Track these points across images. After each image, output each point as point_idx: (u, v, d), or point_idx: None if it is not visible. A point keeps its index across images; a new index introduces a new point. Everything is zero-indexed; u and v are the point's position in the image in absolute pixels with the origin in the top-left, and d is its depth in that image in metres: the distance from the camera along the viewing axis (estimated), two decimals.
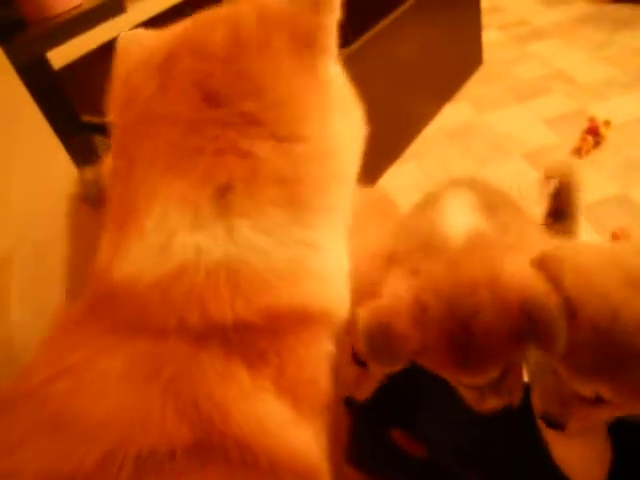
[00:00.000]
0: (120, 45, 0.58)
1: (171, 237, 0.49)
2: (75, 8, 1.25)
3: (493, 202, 0.59)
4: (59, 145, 0.92)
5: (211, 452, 0.45)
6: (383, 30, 1.69)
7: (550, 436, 0.58)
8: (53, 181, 0.91)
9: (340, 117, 0.56)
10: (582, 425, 0.53)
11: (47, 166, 0.91)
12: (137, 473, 0.43)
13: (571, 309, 0.47)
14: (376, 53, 1.68)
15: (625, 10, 2.40)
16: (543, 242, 0.59)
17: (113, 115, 0.56)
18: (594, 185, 1.56)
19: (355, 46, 1.62)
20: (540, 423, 0.57)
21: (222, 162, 0.49)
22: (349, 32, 1.70)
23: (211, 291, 0.48)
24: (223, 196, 0.49)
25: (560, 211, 0.76)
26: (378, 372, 0.65)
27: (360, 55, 1.63)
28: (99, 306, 0.52)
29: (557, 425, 0.54)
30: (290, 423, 0.50)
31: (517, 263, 0.51)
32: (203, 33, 0.53)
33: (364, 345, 0.53)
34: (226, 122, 0.50)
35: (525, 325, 0.48)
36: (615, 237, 1.39)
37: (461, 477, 0.73)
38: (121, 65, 0.57)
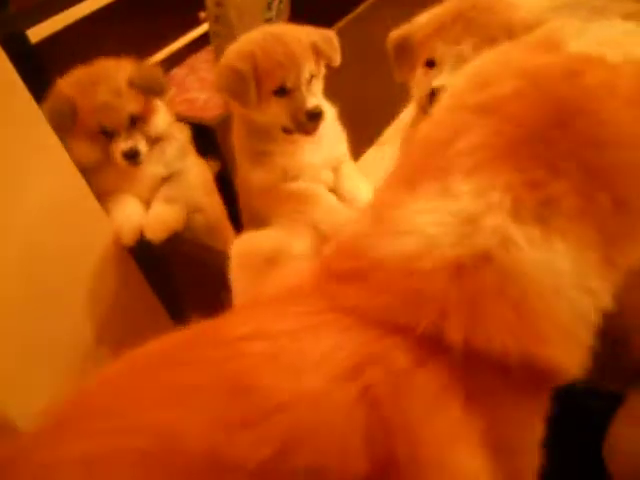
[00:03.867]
0: None
1: (484, 215, 0.41)
2: None
3: None
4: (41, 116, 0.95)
5: None
6: (362, 13, 1.70)
7: None
8: (34, 147, 0.94)
9: None
10: None
11: (27, 131, 0.94)
12: None
13: None
14: (354, 37, 1.69)
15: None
16: None
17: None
18: None
19: (333, 30, 1.62)
20: None
21: (558, 176, 0.42)
22: (329, 16, 1.71)
23: (490, 306, 0.39)
24: (548, 205, 0.42)
25: None
26: None
27: (339, 39, 1.63)
28: (338, 277, 0.44)
29: None
30: None
31: None
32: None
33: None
34: (573, 155, 0.43)
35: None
36: None
37: None
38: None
